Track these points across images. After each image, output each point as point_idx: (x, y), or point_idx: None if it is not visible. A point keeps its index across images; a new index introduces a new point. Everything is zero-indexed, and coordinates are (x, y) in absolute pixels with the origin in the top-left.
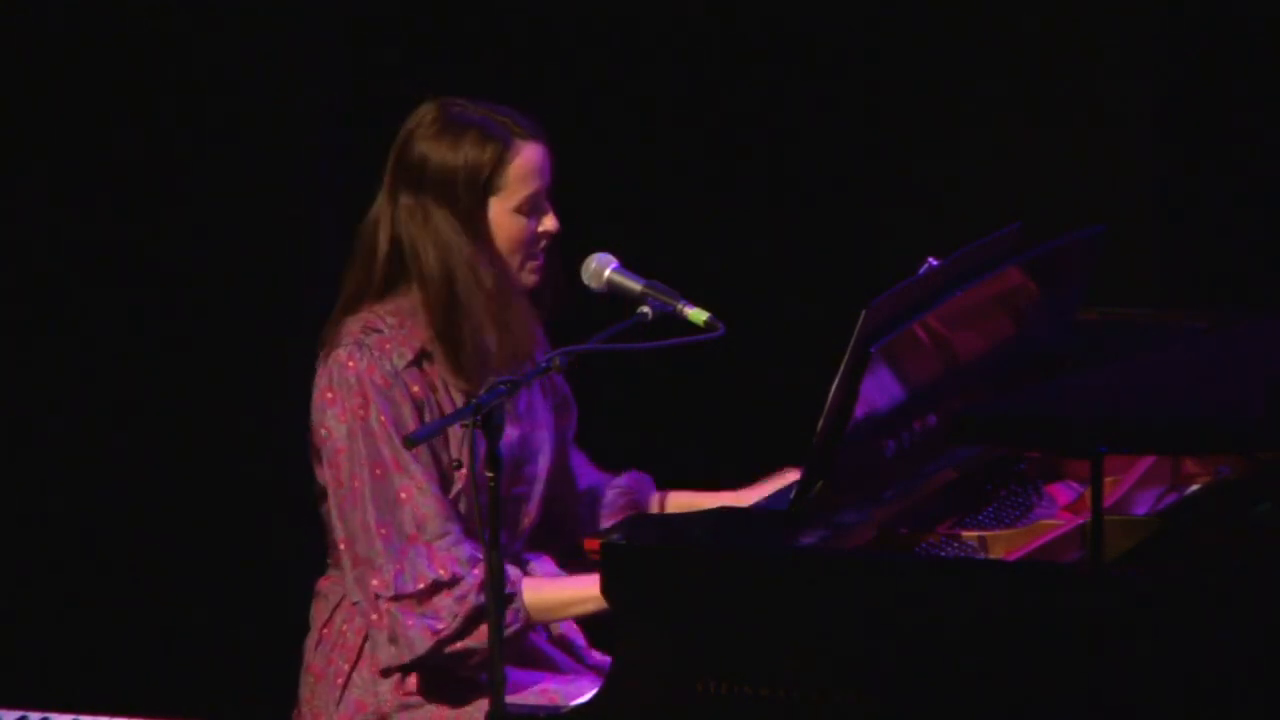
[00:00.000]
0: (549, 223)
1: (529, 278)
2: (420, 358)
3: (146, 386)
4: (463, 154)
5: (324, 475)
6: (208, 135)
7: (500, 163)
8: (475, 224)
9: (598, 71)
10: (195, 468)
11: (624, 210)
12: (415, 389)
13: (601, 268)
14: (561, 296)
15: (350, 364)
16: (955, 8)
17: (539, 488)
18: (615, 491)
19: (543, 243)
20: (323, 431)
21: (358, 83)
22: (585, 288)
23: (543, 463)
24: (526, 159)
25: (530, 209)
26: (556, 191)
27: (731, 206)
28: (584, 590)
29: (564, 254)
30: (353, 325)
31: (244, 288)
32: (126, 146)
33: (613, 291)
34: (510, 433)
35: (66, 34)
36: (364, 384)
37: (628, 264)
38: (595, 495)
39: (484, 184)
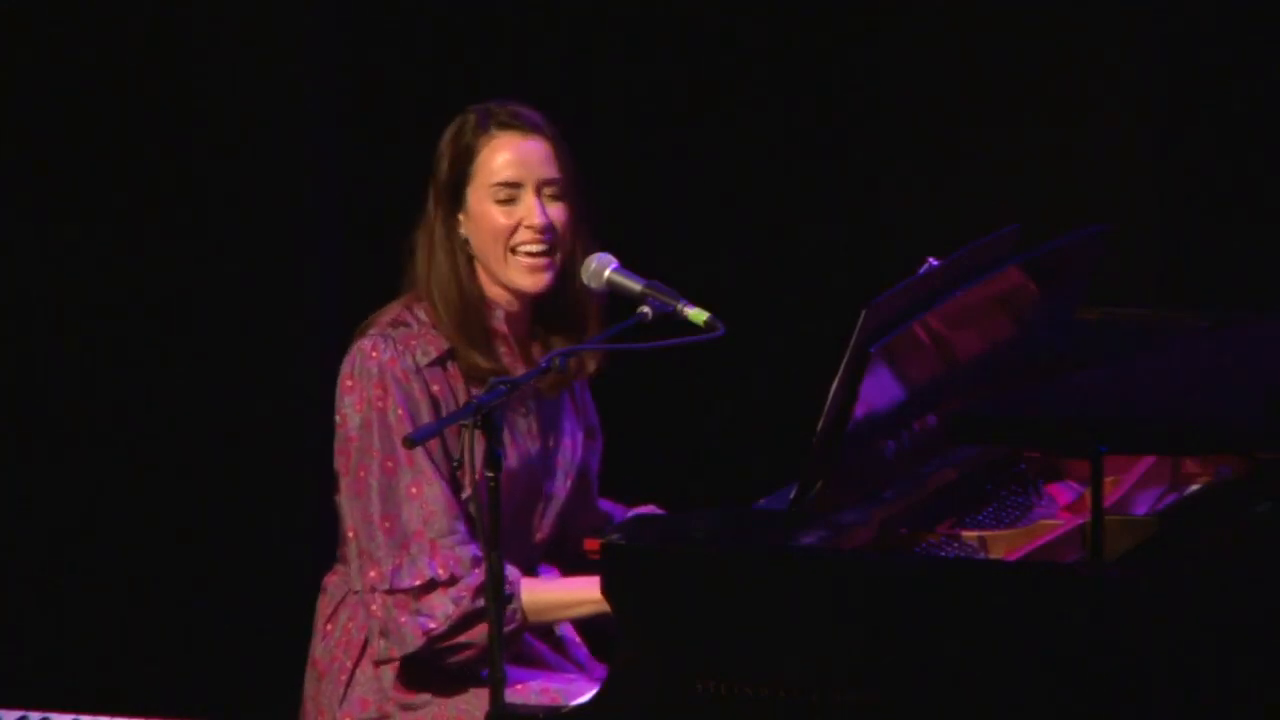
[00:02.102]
0: (529, 215)
1: (520, 276)
2: (445, 358)
3: (147, 383)
4: (446, 143)
5: (337, 461)
6: (207, 134)
7: (472, 150)
8: (452, 214)
9: (598, 71)
10: (196, 465)
11: (624, 210)
12: (435, 388)
13: (601, 268)
14: (579, 306)
15: (373, 354)
16: (956, 7)
17: (555, 506)
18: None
19: (525, 236)
20: (338, 417)
21: (357, 83)
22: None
23: (563, 483)
24: (498, 146)
25: (504, 198)
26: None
27: (731, 206)
28: (582, 592)
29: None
30: (384, 316)
31: (246, 285)
32: (125, 146)
33: (613, 291)
34: (529, 446)
35: (65, 34)
36: (384, 375)
37: (628, 264)
38: (609, 523)
39: (460, 171)
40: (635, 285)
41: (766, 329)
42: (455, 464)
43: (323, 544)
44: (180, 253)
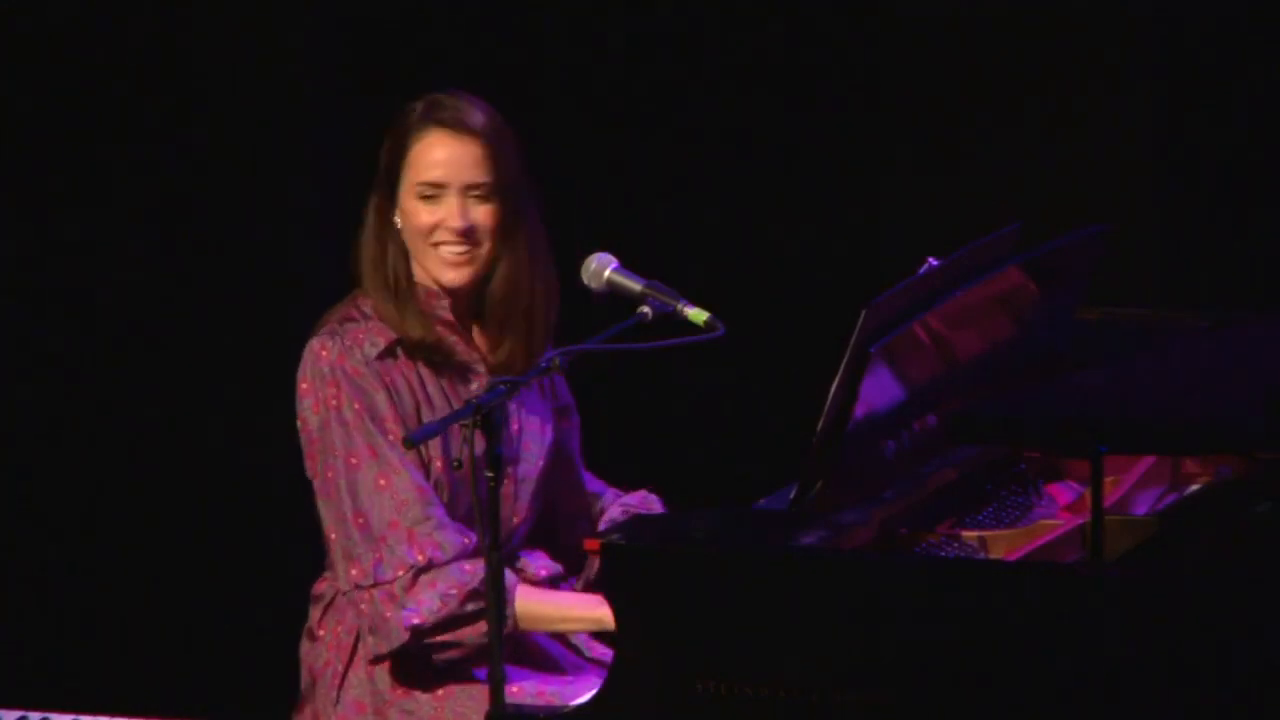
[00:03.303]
0: (449, 218)
1: (440, 270)
2: (394, 347)
3: (145, 385)
4: (387, 137)
5: (306, 466)
6: (207, 134)
7: (404, 147)
8: (389, 208)
9: (598, 70)
10: (195, 467)
11: (624, 210)
12: (389, 378)
13: (601, 268)
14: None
15: (323, 353)
16: (956, 7)
17: (529, 488)
18: (621, 508)
19: (444, 236)
20: (299, 421)
21: (357, 83)
22: (585, 288)
23: (534, 464)
24: (425, 144)
25: (428, 195)
26: (552, 188)
27: (731, 206)
28: (577, 610)
29: (564, 253)
30: (333, 315)
31: (246, 285)
32: (125, 146)
33: (613, 291)
34: None
35: (65, 33)
36: (336, 373)
37: (628, 264)
38: (601, 509)
39: (395, 167)
40: (635, 285)
41: (766, 329)
42: (456, 465)
43: (321, 545)
44: (179, 252)
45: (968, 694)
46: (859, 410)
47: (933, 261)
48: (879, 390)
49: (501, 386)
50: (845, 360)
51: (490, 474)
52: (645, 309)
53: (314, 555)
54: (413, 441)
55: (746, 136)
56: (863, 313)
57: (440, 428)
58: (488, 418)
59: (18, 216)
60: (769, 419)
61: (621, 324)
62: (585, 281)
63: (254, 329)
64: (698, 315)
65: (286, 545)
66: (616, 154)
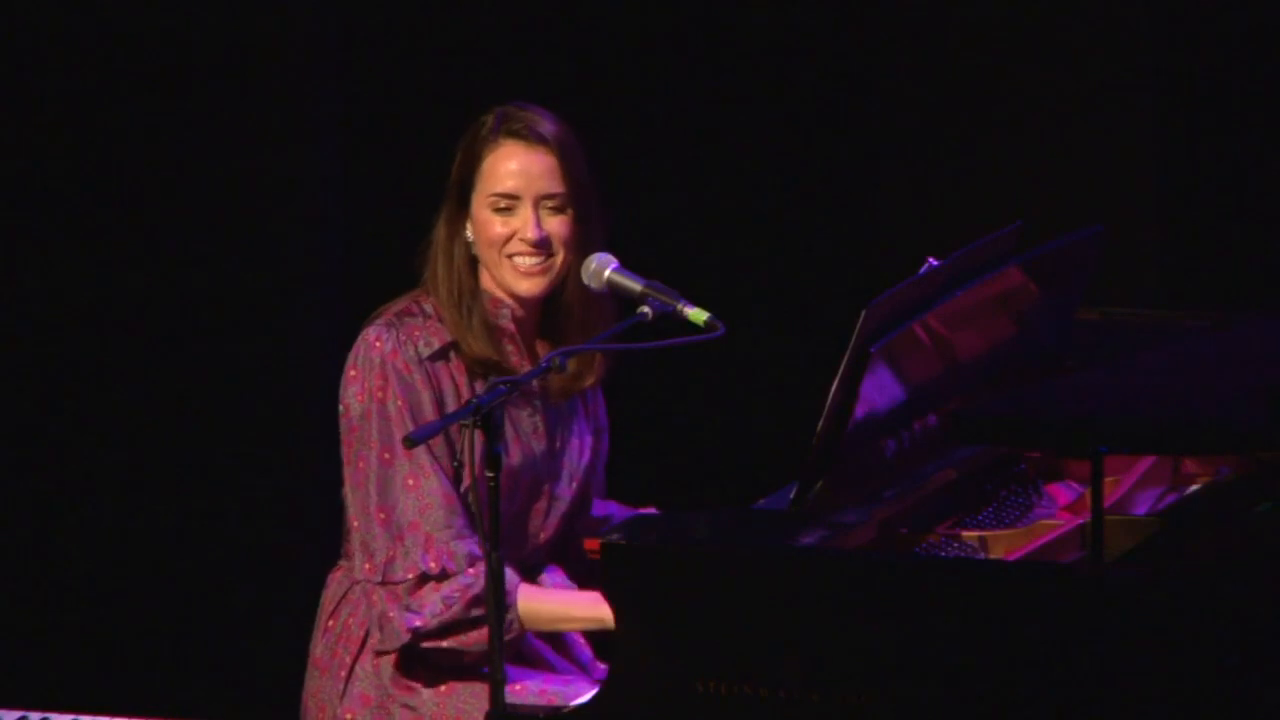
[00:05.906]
0: (524, 229)
1: (514, 281)
2: (447, 349)
3: (148, 383)
4: (461, 144)
5: (341, 451)
6: (207, 134)
7: (476, 159)
8: (460, 220)
9: (598, 71)
10: (196, 465)
11: (624, 210)
12: (437, 380)
13: (601, 268)
14: (585, 311)
15: (377, 343)
16: (956, 7)
17: (561, 506)
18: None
19: (518, 247)
20: (341, 406)
21: (358, 84)
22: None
23: (569, 485)
24: (500, 155)
25: (502, 207)
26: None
27: (731, 206)
28: (580, 607)
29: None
30: (393, 307)
31: (248, 284)
32: (126, 146)
33: (613, 291)
34: (535, 446)
35: (65, 34)
36: (386, 366)
37: (628, 264)
38: (608, 523)
39: (468, 179)
40: (635, 285)
41: (766, 329)
42: (457, 463)
43: (324, 542)
44: (181, 252)
45: (967, 694)
46: (859, 410)
47: (933, 261)
48: (879, 390)
49: (502, 387)
50: (845, 360)
51: (490, 474)
52: (645, 309)
53: (317, 553)
54: (413, 441)
55: (746, 136)
56: (863, 313)
57: (440, 427)
58: (488, 418)
59: (17, 218)
60: (769, 419)
61: (621, 324)
62: (585, 281)
63: (254, 328)
64: (698, 315)
65: (289, 543)
66: (616, 154)
